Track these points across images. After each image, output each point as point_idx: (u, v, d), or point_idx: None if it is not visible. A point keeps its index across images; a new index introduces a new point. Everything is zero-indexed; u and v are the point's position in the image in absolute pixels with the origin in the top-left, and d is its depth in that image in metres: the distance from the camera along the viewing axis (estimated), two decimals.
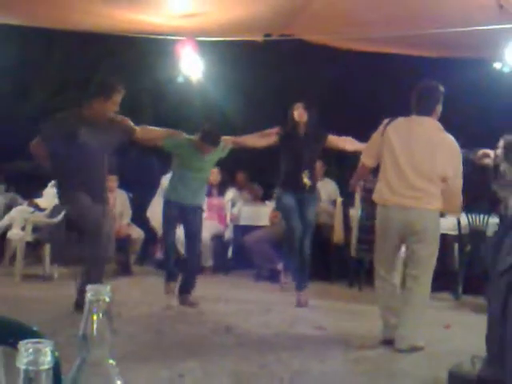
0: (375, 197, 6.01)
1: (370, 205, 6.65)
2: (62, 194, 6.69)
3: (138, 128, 6.69)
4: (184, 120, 8.09)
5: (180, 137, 7.03)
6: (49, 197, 8.56)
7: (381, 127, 5.85)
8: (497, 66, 7.57)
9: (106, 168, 6.62)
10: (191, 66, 7.90)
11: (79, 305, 5.94)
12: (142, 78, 10.02)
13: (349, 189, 7.53)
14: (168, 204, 7.15)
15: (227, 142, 7.11)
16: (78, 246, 6.89)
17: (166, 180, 9.70)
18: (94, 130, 6.25)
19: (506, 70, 7.27)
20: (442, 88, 5.82)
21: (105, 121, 6.37)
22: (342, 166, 7.58)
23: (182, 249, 9.35)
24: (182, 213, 7.09)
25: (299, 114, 7.15)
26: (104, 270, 6.56)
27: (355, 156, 6.58)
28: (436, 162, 5.66)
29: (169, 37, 7.72)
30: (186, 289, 7.11)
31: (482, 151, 6.88)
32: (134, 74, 9.84)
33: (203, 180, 7.25)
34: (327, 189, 9.64)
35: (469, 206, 7.65)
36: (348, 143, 7.36)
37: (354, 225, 8.43)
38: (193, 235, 7.20)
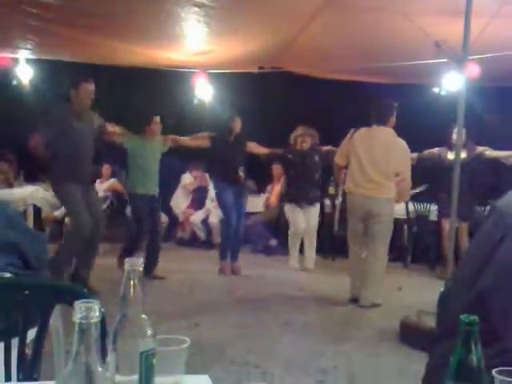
0: (345, 188, 6.05)
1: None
2: (56, 182, 5.90)
3: (107, 123, 6.34)
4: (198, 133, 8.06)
5: (132, 135, 6.69)
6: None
7: (348, 135, 5.89)
8: (436, 90, 7.60)
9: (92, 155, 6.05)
10: (204, 92, 7.90)
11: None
12: (166, 101, 10.01)
13: (334, 181, 7.64)
14: (136, 197, 6.71)
15: (167, 139, 6.89)
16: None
17: (185, 177, 9.72)
18: (82, 121, 5.84)
19: (442, 93, 7.30)
20: (395, 103, 5.86)
21: (87, 113, 5.89)
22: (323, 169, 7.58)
23: (200, 232, 9.39)
24: (149, 203, 6.71)
25: (236, 124, 7.02)
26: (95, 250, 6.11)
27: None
28: (390, 161, 5.68)
29: (186, 69, 7.71)
30: (150, 268, 6.61)
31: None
32: (160, 98, 9.83)
33: (156, 169, 6.79)
34: None
35: (415, 196, 7.68)
36: (256, 148, 7.35)
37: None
38: (158, 221, 6.95)
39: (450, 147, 7.07)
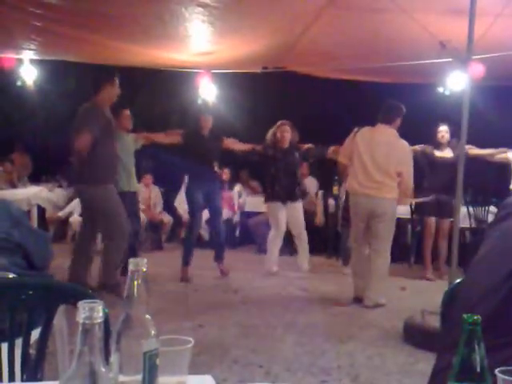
0: (348, 187, 6.05)
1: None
2: (97, 183, 5.61)
3: None
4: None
5: None
6: None
7: (351, 134, 5.89)
8: (440, 89, 7.59)
9: None
10: (207, 92, 7.90)
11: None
12: (170, 101, 10.03)
13: (339, 180, 7.62)
14: (125, 194, 6.21)
15: (139, 136, 6.73)
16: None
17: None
18: (110, 117, 5.75)
19: (447, 93, 7.30)
20: (403, 108, 5.85)
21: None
22: (322, 168, 7.57)
23: (204, 232, 9.39)
24: (131, 201, 6.44)
25: (205, 121, 6.85)
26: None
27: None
28: (392, 161, 5.68)
29: (190, 69, 7.72)
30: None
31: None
32: (165, 98, 9.85)
33: (132, 165, 6.52)
34: (310, 185, 9.62)
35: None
36: (234, 144, 7.19)
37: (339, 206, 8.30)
38: (137, 222, 6.71)
39: (436, 145, 7.12)
